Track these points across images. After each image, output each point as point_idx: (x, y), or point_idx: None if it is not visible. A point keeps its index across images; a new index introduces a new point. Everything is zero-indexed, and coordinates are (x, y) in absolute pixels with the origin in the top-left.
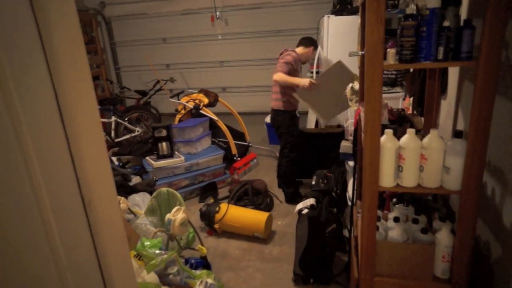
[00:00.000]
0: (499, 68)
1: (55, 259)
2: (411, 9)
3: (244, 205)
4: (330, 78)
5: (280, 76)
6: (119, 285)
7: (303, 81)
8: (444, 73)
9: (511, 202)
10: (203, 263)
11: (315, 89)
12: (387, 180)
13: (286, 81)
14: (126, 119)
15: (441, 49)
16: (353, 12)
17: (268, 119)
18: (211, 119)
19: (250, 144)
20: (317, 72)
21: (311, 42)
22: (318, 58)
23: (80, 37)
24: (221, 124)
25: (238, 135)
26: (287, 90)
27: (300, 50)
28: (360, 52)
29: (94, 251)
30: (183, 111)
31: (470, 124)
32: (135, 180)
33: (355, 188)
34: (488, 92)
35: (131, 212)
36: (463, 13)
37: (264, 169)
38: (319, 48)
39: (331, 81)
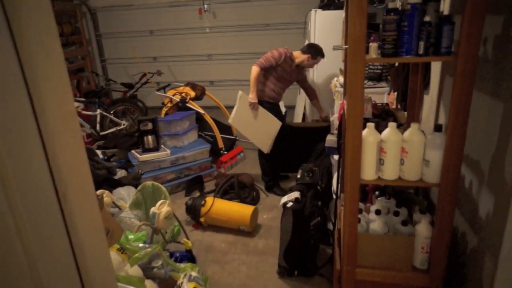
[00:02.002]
0: (477, 63)
1: (25, 251)
2: (394, 3)
3: (230, 199)
4: (246, 111)
5: (253, 72)
6: (95, 278)
7: (253, 97)
8: (427, 68)
9: (487, 194)
10: (188, 257)
11: (246, 119)
12: (368, 173)
13: (251, 80)
14: (111, 112)
15: (422, 44)
16: (340, 6)
17: None
18: (197, 113)
19: (237, 138)
20: None
21: (309, 50)
22: None
23: (53, 25)
24: (207, 118)
25: (225, 128)
26: (266, 81)
27: (297, 53)
28: (344, 46)
29: (69, 243)
30: (169, 104)
31: (449, 118)
32: (121, 173)
33: (339, 181)
34: (466, 86)
35: (116, 205)
36: (446, 9)
37: (250, 162)
38: None
39: (248, 112)
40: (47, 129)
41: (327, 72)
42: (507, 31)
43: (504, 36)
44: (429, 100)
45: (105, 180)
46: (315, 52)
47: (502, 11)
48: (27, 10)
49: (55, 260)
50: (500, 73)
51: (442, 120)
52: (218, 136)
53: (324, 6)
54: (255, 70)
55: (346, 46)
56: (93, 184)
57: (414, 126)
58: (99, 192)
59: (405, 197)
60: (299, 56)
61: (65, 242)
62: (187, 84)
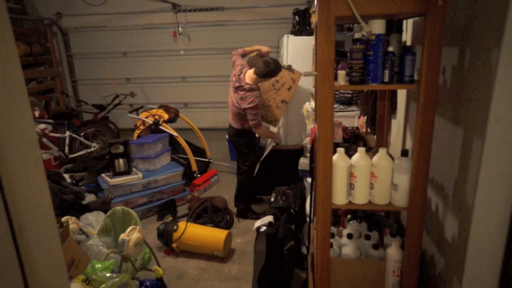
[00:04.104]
0: (437, 91)
1: None
2: (360, 33)
3: (204, 223)
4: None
5: (261, 131)
6: None
7: (276, 138)
8: (394, 93)
9: (451, 216)
10: (159, 285)
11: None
12: (339, 197)
13: (266, 135)
14: (81, 134)
15: (387, 72)
16: (311, 32)
17: None
18: (171, 135)
19: (211, 161)
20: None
21: (266, 76)
22: None
23: (12, 46)
24: (181, 140)
25: (198, 151)
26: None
27: (254, 78)
28: (314, 73)
29: (24, 283)
30: (142, 127)
31: (414, 143)
32: (90, 198)
33: (312, 204)
34: (429, 113)
35: (83, 232)
36: (408, 39)
37: (224, 185)
38: None
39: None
40: (3, 160)
41: (299, 96)
42: (462, 62)
43: (460, 66)
44: (397, 124)
45: (72, 206)
46: (270, 75)
47: (456, 43)
48: None
49: None
50: (459, 101)
51: (409, 144)
52: (192, 159)
53: (296, 32)
54: (262, 127)
55: (316, 73)
56: (54, 216)
57: (382, 151)
58: (64, 218)
59: (376, 219)
60: (260, 80)
61: (19, 282)
62: (161, 106)
